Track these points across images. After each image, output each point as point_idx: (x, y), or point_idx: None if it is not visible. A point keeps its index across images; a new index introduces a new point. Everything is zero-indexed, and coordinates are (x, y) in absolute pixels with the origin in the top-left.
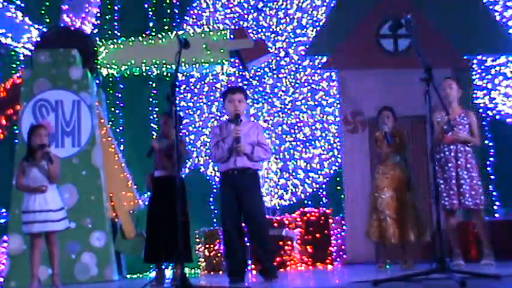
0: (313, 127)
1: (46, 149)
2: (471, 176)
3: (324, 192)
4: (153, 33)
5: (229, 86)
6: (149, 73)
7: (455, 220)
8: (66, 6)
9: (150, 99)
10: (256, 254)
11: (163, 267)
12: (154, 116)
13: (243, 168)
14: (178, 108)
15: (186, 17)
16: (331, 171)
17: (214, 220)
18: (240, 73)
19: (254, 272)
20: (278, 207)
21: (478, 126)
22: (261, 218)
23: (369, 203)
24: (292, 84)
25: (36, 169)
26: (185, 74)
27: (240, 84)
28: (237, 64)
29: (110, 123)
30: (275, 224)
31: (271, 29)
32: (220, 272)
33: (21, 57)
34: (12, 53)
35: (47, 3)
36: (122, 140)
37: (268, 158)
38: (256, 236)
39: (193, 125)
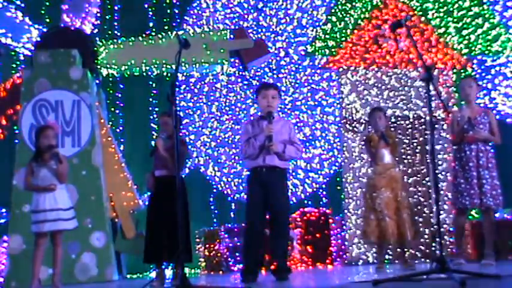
0: (313, 127)
1: (55, 150)
2: (492, 175)
3: (324, 192)
4: (153, 33)
5: (262, 82)
6: (149, 73)
7: (465, 220)
8: (66, 6)
9: (150, 99)
10: (273, 252)
11: (163, 267)
12: (154, 116)
13: (271, 167)
14: (178, 109)
15: (186, 17)
16: (331, 171)
17: (215, 220)
18: (240, 73)
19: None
20: None
21: (497, 125)
22: (285, 217)
23: (364, 204)
24: (292, 84)
25: (45, 169)
26: (185, 74)
27: (240, 85)
28: (237, 64)
29: (110, 123)
30: None
31: (271, 29)
32: (221, 272)
33: (21, 57)
34: (12, 53)
35: (47, 3)
36: (121, 140)
37: (299, 156)
38: (277, 234)
39: (193, 125)
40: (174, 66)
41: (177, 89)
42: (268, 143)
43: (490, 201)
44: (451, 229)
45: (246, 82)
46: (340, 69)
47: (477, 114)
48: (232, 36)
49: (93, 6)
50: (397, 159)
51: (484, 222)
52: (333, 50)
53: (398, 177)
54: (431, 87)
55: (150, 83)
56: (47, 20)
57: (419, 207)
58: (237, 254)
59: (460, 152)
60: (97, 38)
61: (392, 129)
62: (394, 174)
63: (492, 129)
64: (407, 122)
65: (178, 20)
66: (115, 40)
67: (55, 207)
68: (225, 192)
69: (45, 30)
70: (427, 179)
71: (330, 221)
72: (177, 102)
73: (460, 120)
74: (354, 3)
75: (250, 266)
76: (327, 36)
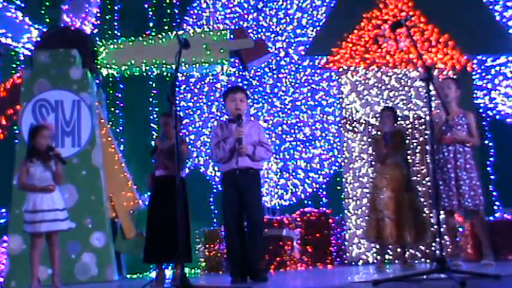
0: (313, 127)
1: (57, 150)
2: (470, 176)
3: (324, 192)
4: (153, 33)
5: (229, 85)
6: (149, 73)
7: (454, 221)
8: (66, 6)
9: (150, 99)
10: (246, 254)
11: (163, 267)
12: (154, 116)
13: (245, 168)
14: (178, 109)
15: (186, 17)
16: (331, 171)
17: (215, 220)
18: (240, 73)
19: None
20: (278, 207)
21: (476, 127)
22: (258, 219)
23: (368, 203)
24: (292, 84)
25: (44, 169)
26: (185, 74)
27: (240, 84)
28: (237, 64)
29: (110, 123)
30: (275, 224)
31: (271, 29)
32: (220, 272)
33: (21, 57)
34: (12, 53)
35: (47, 3)
36: (121, 140)
37: (269, 157)
38: (250, 236)
39: (193, 125)
40: (174, 67)
41: (177, 89)
42: (239, 146)
43: (468, 202)
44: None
45: (246, 82)
46: (340, 69)
47: (455, 115)
48: (232, 36)
49: (93, 6)
50: (405, 159)
51: (475, 223)
52: (333, 50)
53: (401, 178)
54: (431, 87)
55: (150, 83)
56: (47, 20)
57: (421, 208)
58: None
59: (438, 153)
60: (97, 38)
61: (401, 128)
62: (397, 174)
63: (471, 131)
64: (407, 122)
65: (178, 20)
66: (115, 40)
67: (53, 208)
68: None
69: (45, 30)
70: (427, 179)
71: (330, 221)
72: (177, 102)
73: (437, 122)
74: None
75: (236, 267)
76: None
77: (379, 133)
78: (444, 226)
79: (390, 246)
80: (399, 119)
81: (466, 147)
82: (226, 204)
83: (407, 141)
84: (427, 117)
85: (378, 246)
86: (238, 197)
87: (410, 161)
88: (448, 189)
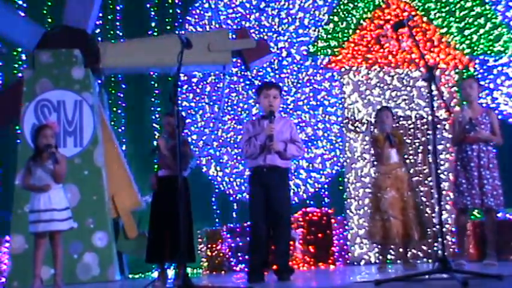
0: (315, 127)
1: (52, 149)
2: (493, 176)
3: (326, 192)
4: (155, 33)
5: (264, 81)
6: (151, 73)
7: (466, 220)
8: (68, 6)
9: (152, 99)
10: (275, 252)
11: (165, 267)
12: (156, 116)
13: (272, 166)
14: (180, 109)
15: (188, 17)
16: (333, 171)
17: (217, 220)
18: (242, 73)
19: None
20: None
21: (498, 125)
22: (286, 218)
23: (371, 204)
24: (294, 84)
25: (42, 169)
26: (187, 74)
27: (242, 85)
28: (239, 64)
29: (112, 123)
30: None
31: (273, 29)
32: (223, 272)
33: (23, 57)
34: (14, 52)
35: (49, 3)
36: (123, 140)
37: (301, 154)
38: (278, 235)
39: (195, 125)
40: (176, 67)
41: (179, 89)
42: (269, 142)
43: (491, 201)
44: (453, 229)
45: (248, 82)
46: (342, 69)
47: (478, 114)
48: (234, 36)
49: (95, 6)
50: (404, 158)
51: (486, 222)
52: (335, 50)
53: (404, 177)
54: (433, 87)
55: (152, 83)
56: (49, 20)
57: (421, 207)
58: (239, 254)
59: (461, 152)
60: (99, 38)
61: (401, 130)
62: (400, 174)
63: (494, 129)
64: (409, 122)
65: (180, 20)
66: (117, 40)
67: (49, 208)
68: (227, 192)
69: (47, 30)
70: (429, 179)
71: (332, 221)
72: (179, 102)
73: (461, 121)
74: (356, 3)
75: (256, 266)
76: (329, 36)
77: (376, 132)
78: (449, 224)
79: (392, 247)
80: (401, 118)
81: (489, 146)
82: (253, 202)
83: (404, 141)
84: (429, 117)
85: (379, 247)
86: (265, 194)
87: (413, 160)
88: (470, 188)
